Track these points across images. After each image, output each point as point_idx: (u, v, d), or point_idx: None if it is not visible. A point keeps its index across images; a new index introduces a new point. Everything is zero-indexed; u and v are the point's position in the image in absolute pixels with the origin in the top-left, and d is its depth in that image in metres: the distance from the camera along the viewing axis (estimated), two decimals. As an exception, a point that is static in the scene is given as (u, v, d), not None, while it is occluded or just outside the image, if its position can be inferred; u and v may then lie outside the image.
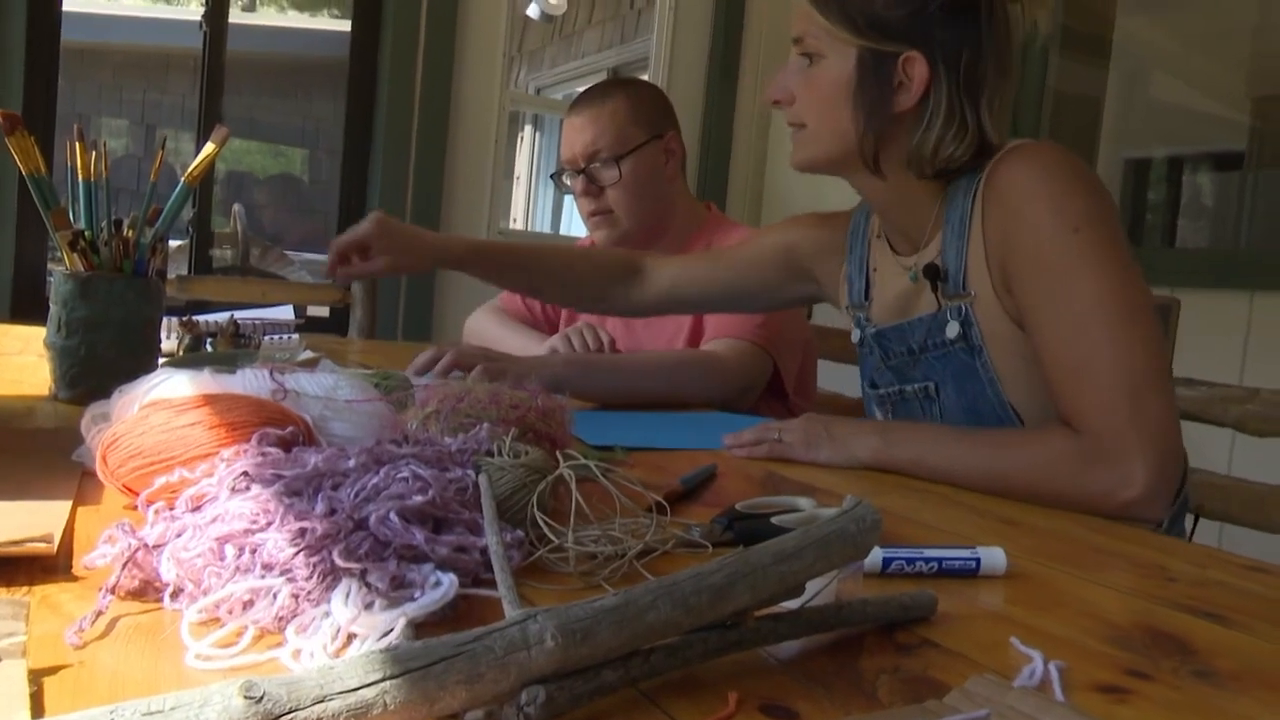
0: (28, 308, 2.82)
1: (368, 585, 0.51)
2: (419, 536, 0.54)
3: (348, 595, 0.50)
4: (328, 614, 0.49)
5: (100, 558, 0.54)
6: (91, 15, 7.91)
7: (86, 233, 1.11)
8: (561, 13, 5.86)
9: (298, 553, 0.51)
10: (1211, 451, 1.67)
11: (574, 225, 6.17)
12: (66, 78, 3.12)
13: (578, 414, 0.90)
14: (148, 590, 0.53)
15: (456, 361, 1.37)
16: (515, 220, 6.37)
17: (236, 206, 6.73)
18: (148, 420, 0.67)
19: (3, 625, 0.46)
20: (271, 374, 0.79)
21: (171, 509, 0.57)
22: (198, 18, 3.28)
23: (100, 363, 1.09)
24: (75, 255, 1.11)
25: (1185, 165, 3.47)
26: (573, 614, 0.42)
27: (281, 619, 0.49)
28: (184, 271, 3.21)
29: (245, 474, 0.59)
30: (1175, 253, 3.29)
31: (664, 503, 0.72)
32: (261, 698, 0.34)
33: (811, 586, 0.53)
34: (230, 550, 0.52)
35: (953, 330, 1.13)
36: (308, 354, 1.47)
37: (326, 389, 0.81)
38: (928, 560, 0.68)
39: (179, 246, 3.36)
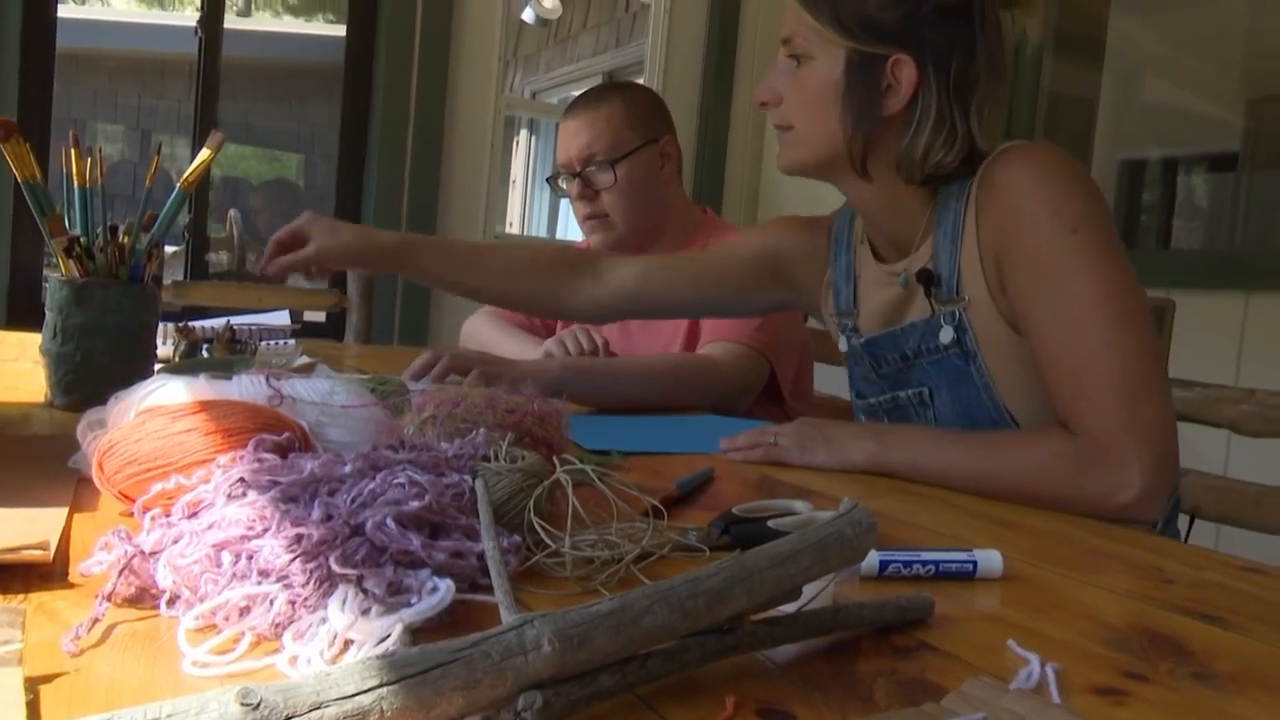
0: (24, 314, 2.82)
1: (364, 591, 0.50)
2: (416, 542, 0.54)
3: (344, 601, 0.50)
4: (324, 620, 0.49)
5: (96, 564, 0.54)
6: (86, 21, 7.92)
7: (82, 239, 1.11)
8: (556, 17, 5.86)
9: (294, 559, 0.51)
10: (1208, 452, 1.67)
11: (570, 229, 6.17)
12: (62, 83, 3.13)
13: (574, 418, 0.90)
14: (144, 597, 0.53)
15: (453, 365, 1.37)
16: (511, 225, 6.38)
17: (232, 212, 6.73)
18: (144, 427, 0.67)
19: (-1, 633, 0.46)
20: (267, 380, 0.79)
21: (168, 515, 0.57)
22: (193, 23, 3.29)
23: (96, 369, 1.09)
24: (71, 261, 1.10)
25: (1180, 166, 3.48)
26: (569, 619, 0.42)
27: (278, 625, 0.49)
28: (180, 277, 3.21)
29: (241, 480, 0.59)
30: (1170, 254, 3.30)
31: (660, 507, 0.72)
32: (258, 704, 0.34)
33: (808, 590, 0.53)
34: (227, 557, 0.52)
35: (947, 335, 1.12)
36: (304, 359, 1.47)
37: (323, 394, 0.81)
38: (924, 563, 0.68)
39: (175, 252, 3.36)
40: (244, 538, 0.53)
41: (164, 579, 0.52)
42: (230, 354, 1.55)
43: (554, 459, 0.69)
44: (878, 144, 1.13)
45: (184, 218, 3.19)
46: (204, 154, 1.22)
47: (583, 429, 1.18)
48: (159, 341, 1.28)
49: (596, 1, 5.82)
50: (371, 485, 0.58)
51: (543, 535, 0.62)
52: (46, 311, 1.11)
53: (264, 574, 0.51)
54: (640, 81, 3.68)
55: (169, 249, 3.19)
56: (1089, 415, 0.98)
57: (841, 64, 1.11)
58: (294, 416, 0.75)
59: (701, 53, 3.90)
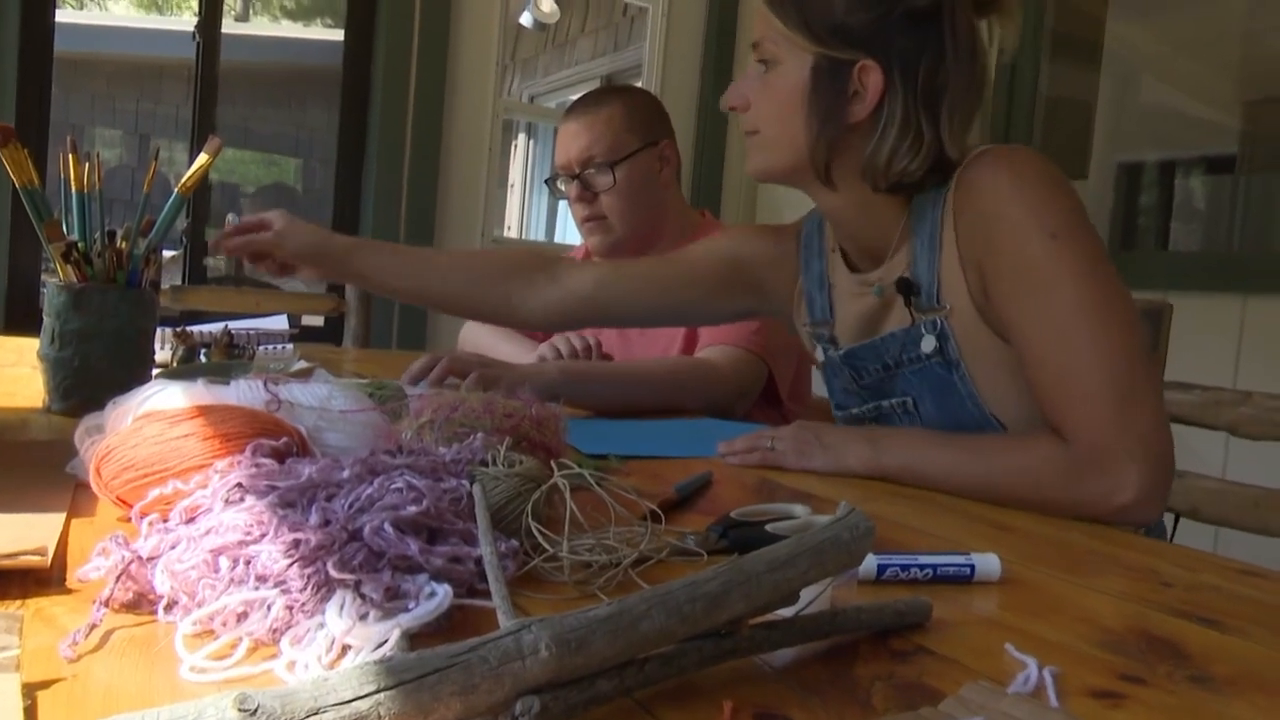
0: (22, 319, 2.82)
1: (362, 596, 0.51)
2: (413, 547, 0.54)
3: (342, 606, 0.50)
4: (322, 625, 0.49)
5: (94, 570, 0.54)
6: (84, 26, 7.91)
7: (80, 244, 1.11)
8: (554, 21, 5.87)
9: (292, 564, 0.51)
10: (1206, 455, 1.67)
11: (568, 233, 6.17)
12: (60, 88, 3.12)
13: (572, 422, 0.90)
14: (142, 603, 0.53)
15: (451, 368, 1.37)
16: (510, 228, 6.38)
17: (230, 216, 6.73)
18: (141, 432, 0.67)
19: (-4, 639, 0.46)
20: (266, 385, 0.79)
21: (165, 521, 0.57)
22: (191, 28, 3.29)
23: (94, 374, 1.09)
24: (69, 267, 1.11)
25: (1178, 169, 3.49)
26: (567, 624, 0.42)
27: (276, 631, 0.49)
28: (178, 282, 3.20)
29: (239, 485, 0.59)
30: (1168, 256, 3.30)
31: (659, 511, 0.72)
32: (256, 710, 0.34)
33: (806, 594, 0.53)
34: (224, 562, 0.52)
35: (929, 345, 1.11)
36: (302, 364, 1.46)
37: (321, 399, 0.81)
38: (922, 567, 0.68)
39: (173, 257, 3.36)
40: (241, 543, 0.53)
41: (162, 584, 0.52)
42: (228, 359, 1.55)
43: (552, 463, 0.69)
44: (842, 151, 1.11)
45: (182, 222, 3.19)
46: (201, 159, 1.22)
47: (581, 433, 1.18)
48: (157, 346, 1.28)
49: (594, 5, 5.82)
50: (369, 490, 0.58)
51: (540, 540, 0.62)
52: (44, 317, 1.11)
53: (261, 579, 0.51)
54: (638, 85, 3.69)
55: (167, 254, 3.20)
56: (1081, 421, 0.97)
57: (808, 69, 1.10)
58: (292, 421, 0.75)
59: (699, 56, 3.90)
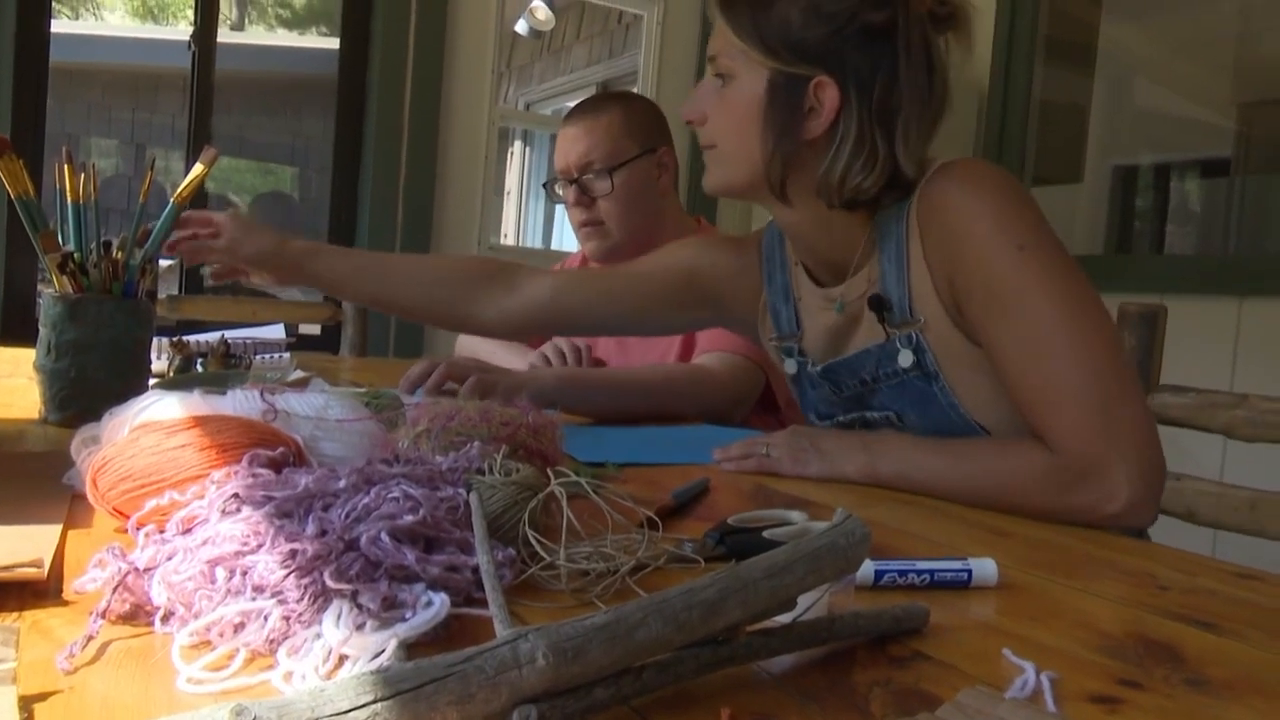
0: (18, 330, 2.82)
1: (359, 606, 0.50)
2: (410, 556, 0.54)
3: (339, 616, 0.50)
4: (319, 636, 0.49)
5: (91, 582, 0.54)
6: (80, 36, 7.92)
7: (75, 255, 1.11)
8: (550, 28, 5.88)
9: (289, 574, 0.51)
10: (1202, 458, 1.68)
11: (565, 240, 6.18)
12: (55, 98, 3.12)
13: (569, 430, 0.91)
14: (139, 614, 0.53)
15: (449, 373, 1.37)
16: (506, 235, 6.38)
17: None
18: (138, 443, 0.67)
19: (-7, 652, 0.46)
20: (262, 394, 0.79)
21: (162, 532, 0.57)
22: (186, 37, 3.29)
23: (90, 385, 1.09)
24: (64, 277, 1.11)
25: (1173, 172, 3.49)
26: (564, 632, 0.42)
27: (273, 641, 0.49)
28: (174, 291, 3.21)
29: (236, 496, 0.59)
30: (1164, 259, 3.30)
31: (656, 518, 0.72)
32: (252, 722, 0.34)
33: (803, 601, 0.53)
34: (221, 573, 0.52)
35: (906, 359, 1.10)
36: (299, 373, 1.46)
37: (317, 409, 0.81)
38: (919, 572, 0.68)
39: (169, 266, 3.35)
40: (238, 553, 0.53)
41: (158, 596, 0.52)
42: (225, 368, 1.55)
43: (549, 471, 0.69)
44: (798, 167, 1.11)
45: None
46: (197, 169, 1.22)
47: (577, 441, 1.18)
48: (153, 356, 1.28)
49: (589, 13, 5.83)
50: (366, 500, 0.58)
51: (538, 548, 0.62)
52: (40, 327, 1.11)
53: (258, 590, 0.51)
54: (635, 92, 3.69)
55: (163, 263, 3.19)
56: (1066, 433, 0.97)
57: (764, 84, 1.09)
58: (288, 431, 0.75)
59: (694, 63, 3.91)
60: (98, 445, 0.73)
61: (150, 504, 0.62)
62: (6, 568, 0.54)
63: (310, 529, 0.55)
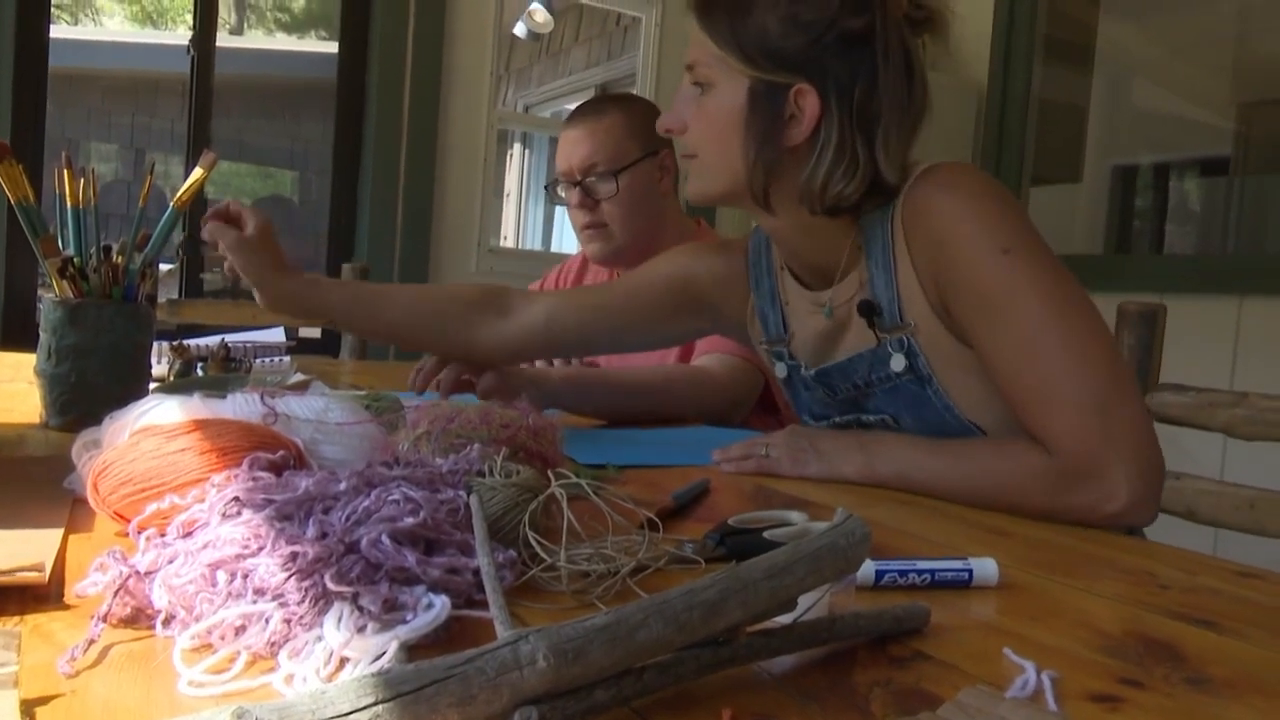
0: (18, 335, 2.82)
1: (360, 608, 0.51)
2: (411, 559, 0.54)
3: (340, 619, 0.50)
4: (320, 638, 0.49)
5: (92, 585, 0.54)
6: (79, 41, 7.93)
7: (75, 259, 1.11)
8: (548, 31, 5.88)
9: (289, 577, 0.51)
10: (1203, 457, 1.68)
11: (565, 242, 6.18)
12: (55, 103, 3.13)
13: (569, 432, 0.91)
14: (140, 617, 0.53)
15: (463, 372, 1.37)
16: (506, 238, 6.38)
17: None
18: (138, 447, 0.67)
19: (-6, 656, 0.46)
20: (262, 398, 0.80)
21: (163, 535, 0.57)
22: (185, 42, 3.29)
23: (90, 389, 1.09)
24: (64, 282, 1.11)
25: (1172, 172, 3.50)
26: (564, 634, 0.42)
27: (274, 644, 0.49)
28: (174, 295, 3.21)
29: (236, 499, 0.59)
30: (1164, 259, 3.31)
31: (656, 519, 0.72)
32: (253, 724, 0.34)
33: (804, 601, 0.53)
34: (222, 576, 0.52)
35: (898, 363, 1.10)
36: (299, 377, 1.46)
37: (317, 412, 0.81)
38: (920, 572, 0.68)
39: (169, 270, 3.36)
40: (239, 556, 0.53)
41: (159, 599, 0.52)
42: (225, 372, 1.55)
43: (549, 473, 0.69)
44: (779, 175, 1.10)
45: (178, 236, 3.19)
46: (196, 173, 1.22)
47: (578, 443, 1.19)
48: (153, 360, 1.28)
49: (588, 15, 5.84)
50: (366, 502, 0.59)
51: (538, 550, 0.62)
52: (41, 332, 1.11)
53: (259, 593, 0.51)
54: (634, 94, 3.70)
55: (163, 267, 3.20)
56: (1063, 434, 0.96)
57: (744, 93, 1.08)
58: (289, 434, 0.75)
59: (693, 65, 3.90)
60: (98, 449, 0.73)
61: (151, 508, 0.62)
62: (8, 572, 0.54)
63: (311, 532, 0.55)
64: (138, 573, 0.53)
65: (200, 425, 0.69)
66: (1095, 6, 3.35)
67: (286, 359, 1.71)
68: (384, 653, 0.48)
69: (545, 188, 2.02)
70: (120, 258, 1.14)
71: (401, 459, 0.69)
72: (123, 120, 8.12)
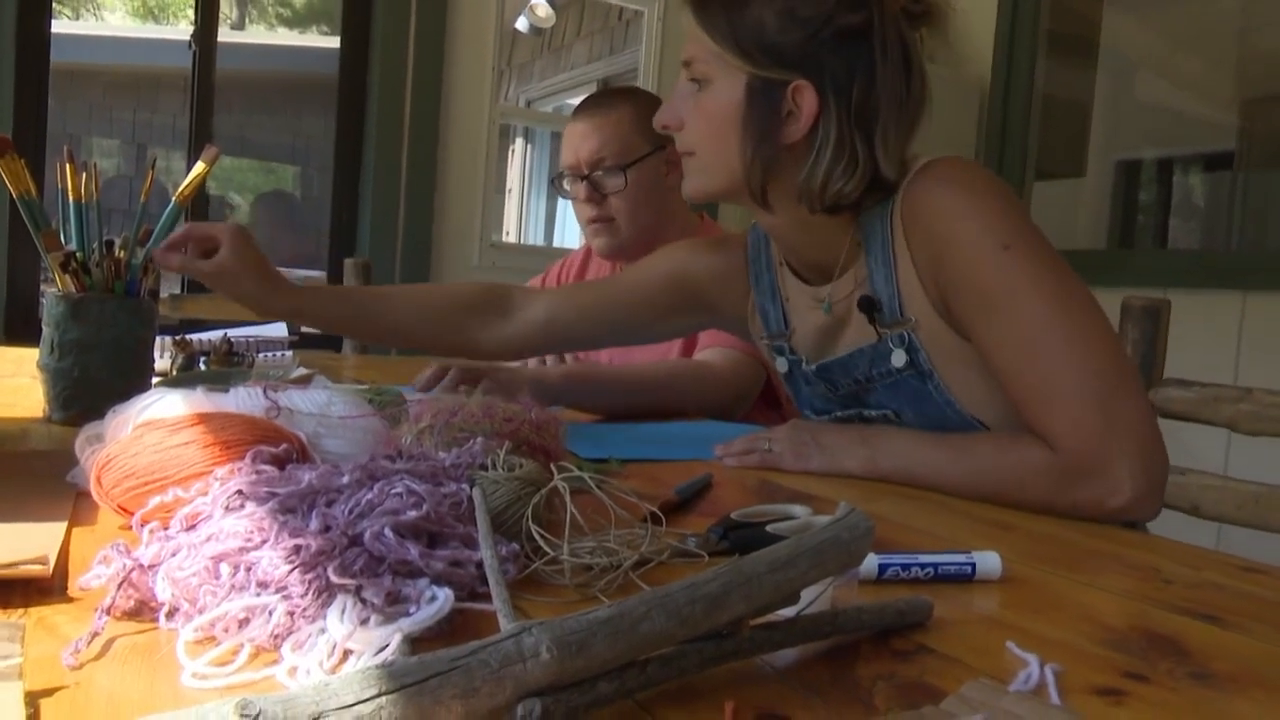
0: (20, 330, 2.82)
1: (363, 601, 0.51)
2: (414, 551, 0.54)
3: (343, 611, 0.50)
4: (323, 630, 0.49)
5: (95, 578, 0.54)
6: (81, 36, 7.93)
7: (78, 254, 1.11)
8: (550, 25, 5.88)
9: (293, 570, 0.51)
10: (1206, 452, 1.68)
11: (567, 237, 6.18)
12: (56, 98, 3.13)
13: (571, 427, 0.91)
14: (143, 610, 0.53)
15: (462, 379, 1.37)
16: (508, 233, 6.38)
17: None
18: (142, 440, 0.67)
19: (-2, 648, 0.46)
20: (265, 392, 0.80)
21: (166, 528, 0.57)
22: (187, 37, 3.29)
23: (93, 384, 1.09)
24: (67, 277, 1.11)
25: (1175, 167, 3.49)
26: (567, 626, 0.42)
27: (277, 636, 0.49)
28: (177, 290, 3.21)
29: (239, 492, 0.59)
30: (1167, 254, 3.30)
31: (659, 513, 0.73)
32: (257, 715, 0.34)
33: (806, 594, 0.53)
34: (225, 569, 0.52)
35: (899, 359, 1.10)
36: (301, 371, 1.46)
37: (320, 405, 0.81)
38: (923, 566, 0.68)
39: (171, 265, 3.35)
40: (242, 549, 0.53)
41: (163, 592, 0.52)
42: (228, 366, 1.55)
43: (552, 467, 0.69)
44: (778, 173, 1.09)
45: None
46: (199, 167, 1.22)
47: (580, 437, 1.19)
48: (156, 355, 1.28)
49: (590, 10, 5.83)
50: (369, 495, 0.59)
51: (541, 543, 0.62)
52: (43, 327, 1.11)
53: (262, 585, 0.51)
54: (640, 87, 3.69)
55: (166, 262, 3.18)
56: (1066, 430, 0.96)
57: (742, 89, 1.08)
58: (291, 428, 0.75)
59: (696, 59, 3.90)
60: (101, 443, 0.73)
61: (154, 501, 0.62)
62: (12, 565, 0.54)
63: (314, 525, 0.55)
64: (141, 566, 0.53)
65: (203, 419, 0.69)
66: (1099, 1, 3.34)
67: (289, 353, 1.71)
68: (387, 645, 0.48)
69: (550, 181, 2.02)
70: (123, 252, 1.14)
71: (404, 452, 0.69)
72: (124, 115, 8.12)
